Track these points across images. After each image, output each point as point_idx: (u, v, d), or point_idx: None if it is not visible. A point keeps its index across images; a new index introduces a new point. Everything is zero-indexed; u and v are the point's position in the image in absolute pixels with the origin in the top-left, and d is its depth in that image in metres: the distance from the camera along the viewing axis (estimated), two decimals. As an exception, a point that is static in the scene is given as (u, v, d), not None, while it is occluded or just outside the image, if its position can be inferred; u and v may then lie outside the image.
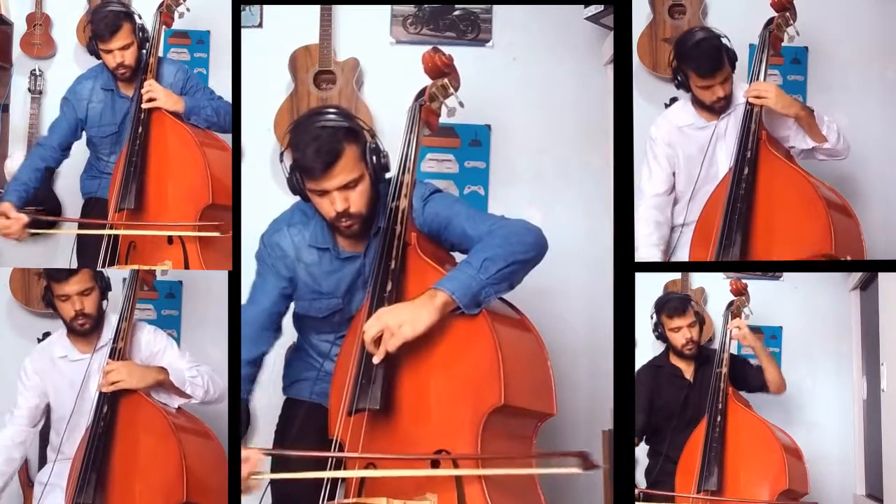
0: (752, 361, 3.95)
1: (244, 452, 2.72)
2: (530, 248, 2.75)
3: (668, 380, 3.85)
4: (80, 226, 3.76)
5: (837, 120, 3.54)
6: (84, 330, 3.45)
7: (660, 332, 3.89)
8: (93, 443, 3.25)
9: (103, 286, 3.47)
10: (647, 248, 3.64)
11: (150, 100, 3.60)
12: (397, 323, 2.57)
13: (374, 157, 2.81)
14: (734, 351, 3.84)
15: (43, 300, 3.53)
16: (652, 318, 3.86)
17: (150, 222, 3.54)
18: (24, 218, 3.55)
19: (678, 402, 3.79)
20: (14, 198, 3.60)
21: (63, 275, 3.41)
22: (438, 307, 2.58)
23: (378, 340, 2.59)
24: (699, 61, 3.52)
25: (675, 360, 3.89)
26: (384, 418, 2.65)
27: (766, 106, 3.41)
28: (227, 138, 3.57)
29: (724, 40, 3.52)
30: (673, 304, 3.86)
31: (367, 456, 2.65)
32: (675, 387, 3.83)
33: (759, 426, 3.59)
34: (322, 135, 2.75)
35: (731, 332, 3.75)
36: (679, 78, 3.59)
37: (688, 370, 3.86)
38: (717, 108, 3.57)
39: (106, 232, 3.53)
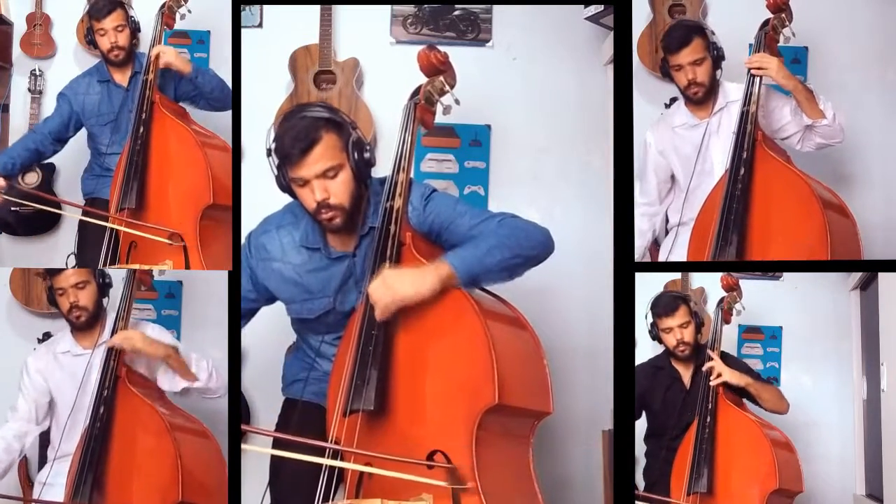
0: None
1: None
2: (537, 246, 2.78)
3: (666, 383, 3.79)
4: (83, 215, 3.78)
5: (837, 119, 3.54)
6: (80, 323, 3.47)
7: (654, 333, 3.83)
8: (89, 443, 3.26)
9: (102, 283, 3.50)
10: None
11: (165, 63, 3.66)
12: (400, 283, 2.61)
13: (357, 151, 2.80)
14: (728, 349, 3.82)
15: (48, 300, 3.57)
16: (647, 317, 3.82)
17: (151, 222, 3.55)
18: (1, 182, 3.65)
19: (675, 408, 3.76)
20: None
21: (56, 270, 3.45)
22: (442, 276, 2.61)
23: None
24: (668, 39, 3.62)
25: (675, 363, 3.82)
26: (379, 419, 2.64)
27: (766, 76, 3.43)
28: (228, 137, 3.57)
29: (709, 33, 3.59)
30: (663, 303, 3.77)
31: (362, 452, 2.63)
32: (672, 391, 3.77)
33: (748, 425, 3.56)
34: (301, 123, 2.76)
35: (709, 377, 3.65)
36: (664, 70, 3.67)
37: (686, 374, 3.79)
38: (695, 98, 3.61)
39: (109, 225, 3.55)
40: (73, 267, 3.68)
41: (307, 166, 2.76)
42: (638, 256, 3.74)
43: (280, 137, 2.78)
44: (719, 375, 3.61)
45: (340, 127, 2.81)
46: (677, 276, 4.27)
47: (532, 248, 2.76)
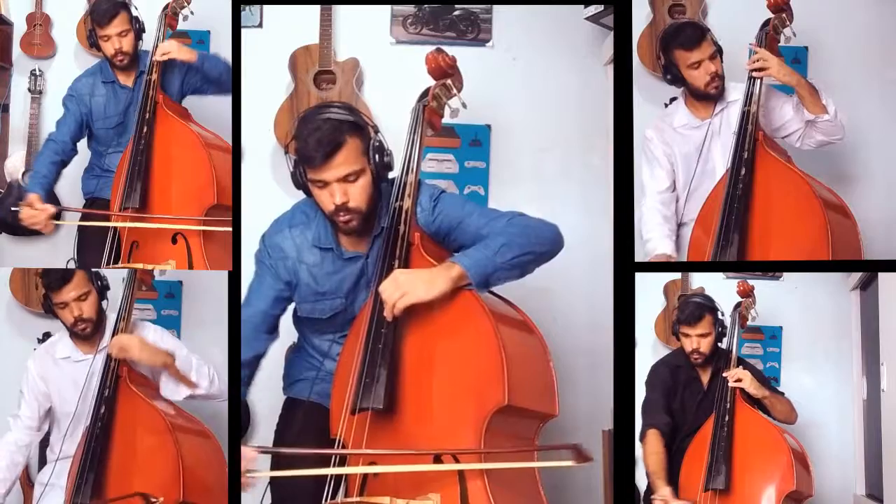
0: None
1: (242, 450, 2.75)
2: (547, 242, 2.81)
3: (686, 382, 3.78)
4: (86, 217, 3.77)
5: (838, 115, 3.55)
6: (86, 334, 3.44)
7: (676, 331, 3.81)
8: (90, 443, 3.25)
9: (100, 287, 3.46)
10: (660, 240, 3.65)
11: (165, 53, 3.64)
12: (412, 284, 2.62)
13: (378, 155, 2.81)
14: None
15: (43, 307, 3.54)
16: (673, 313, 3.81)
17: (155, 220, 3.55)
18: (51, 209, 3.58)
19: (692, 407, 3.75)
20: (38, 189, 3.65)
21: (58, 283, 3.39)
22: (454, 278, 2.63)
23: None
24: (680, 37, 3.60)
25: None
26: (387, 418, 2.64)
27: (768, 76, 3.44)
28: (228, 137, 3.56)
29: (709, 31, 3.61)
30: (688, 311, 3.75)
31: (369, 452, 2.64)
32: (690, 391, 3.77)
33: (767, 427, 3.59)
34: (325, 126, 2.76)
35: (729, 381, 3.65)
36: (670, 73, 3.66)
37: (704, 375, 3.78)
38: (713, 94, 3.61)
39: (111, 224, 3.56)
40: (74, 265, 3.67)
41: (330, 170, 2.76)
42: (663, 249, 3.68)
43: (303, 139, 2.77)
44: (739, 380, 3.62)
45: (362, 130, 2.81)
46: (677, 276, 4.27)
47: (542, 244, 2.79)
